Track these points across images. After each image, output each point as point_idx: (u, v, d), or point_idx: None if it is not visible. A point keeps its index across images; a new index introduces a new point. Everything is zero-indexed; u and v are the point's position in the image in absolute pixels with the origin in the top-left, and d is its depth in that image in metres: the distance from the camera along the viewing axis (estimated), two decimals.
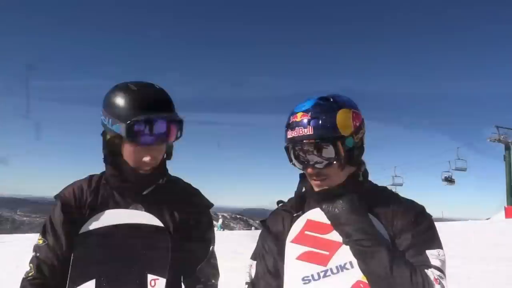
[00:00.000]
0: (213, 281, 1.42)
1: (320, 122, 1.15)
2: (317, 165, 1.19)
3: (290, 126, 1.20)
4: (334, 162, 1.18)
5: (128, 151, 1.31)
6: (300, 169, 1.26)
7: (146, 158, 1.30)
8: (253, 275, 1.34)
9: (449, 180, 33.52)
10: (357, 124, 1.21)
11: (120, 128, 1.25)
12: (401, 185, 34.77)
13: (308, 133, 1.15)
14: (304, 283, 1.19)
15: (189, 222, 1.41)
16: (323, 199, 1.22)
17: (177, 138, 1.34)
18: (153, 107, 1.27)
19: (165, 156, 1.41)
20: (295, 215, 1.30)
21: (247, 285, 1.34)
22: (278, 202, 1.40)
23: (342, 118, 1.17)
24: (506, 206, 28.33)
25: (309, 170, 1.21)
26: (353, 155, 1.20)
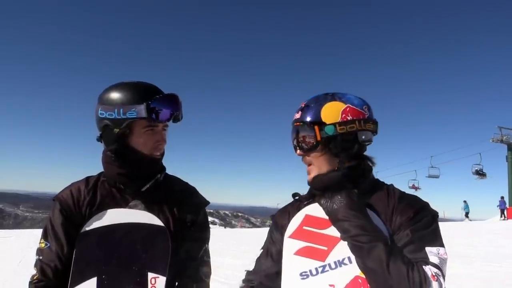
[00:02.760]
0: (204, 279, 1.44)
1: (308, 108, 1.27)
2: (304, 147, 1.27)
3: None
4: (310, 145, 1.25)
5: (144, 136, 1.36)
6: (295, 152, 1.33)
7: (160, 137, 1.38)
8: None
9: (480, 173, 31.49)
10: (348, 117, 1.23)
11: (139, 110, 1.30)
12: (437, 176, 33.10)
13: (297, 117, 1.29)
14: (302, 278, 1.20)
15: (186, 220, 1.43)
16: (313, 187, 1.29)
17: (180, 119, 1.41)
18: (158, 89, 1.37)
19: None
20: (305, 202, 1.33)
21: (245, 272, 1.38)
22: (294, 195, 1.40)
23: (329, 107, 1.25)
24: (508, 207, 28.15)
25: (297, 152, 1.30)
26: (330, 143, 1.23)
